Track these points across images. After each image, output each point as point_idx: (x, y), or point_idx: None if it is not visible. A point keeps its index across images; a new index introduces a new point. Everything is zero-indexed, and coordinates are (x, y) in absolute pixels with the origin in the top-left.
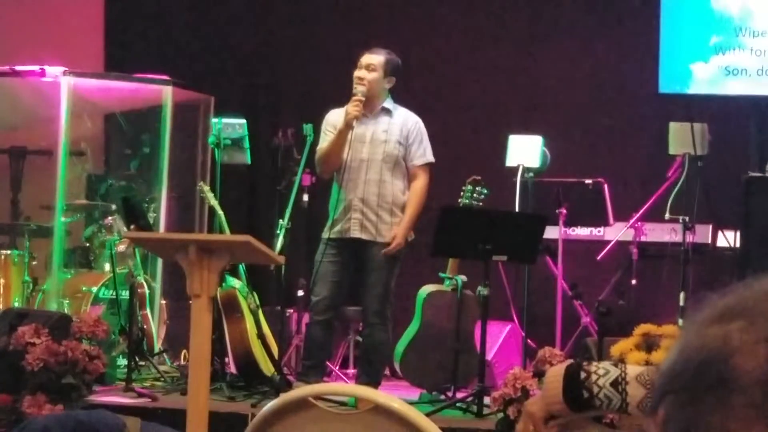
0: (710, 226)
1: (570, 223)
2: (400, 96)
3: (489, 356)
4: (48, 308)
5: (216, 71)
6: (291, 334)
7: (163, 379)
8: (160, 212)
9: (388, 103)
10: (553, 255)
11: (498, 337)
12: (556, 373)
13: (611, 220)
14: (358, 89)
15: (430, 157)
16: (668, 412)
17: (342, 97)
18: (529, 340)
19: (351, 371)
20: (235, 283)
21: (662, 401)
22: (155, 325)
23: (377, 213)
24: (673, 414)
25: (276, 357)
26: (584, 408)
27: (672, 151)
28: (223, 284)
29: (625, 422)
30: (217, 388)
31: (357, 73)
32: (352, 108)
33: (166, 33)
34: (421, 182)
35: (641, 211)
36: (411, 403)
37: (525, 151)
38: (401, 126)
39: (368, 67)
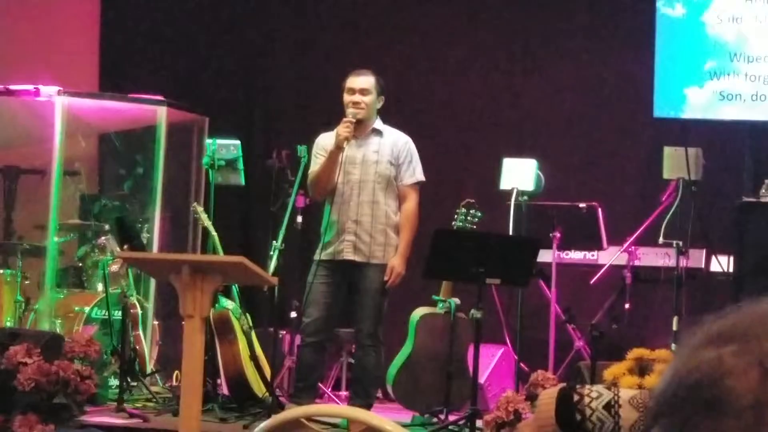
0: (704, 251)
1: (563, 246)
2: (394, 119)
3: (482, 379)
4: (40, 328)
5: (211, 92)
6: (283, 356)
7: (154, 399)
8: (154, 233)
9: (378, 124)
10: (547, 279)
11: (491, 360)
12: (549, 395)
13: (605, 244)
14: (359, 114)
15: (420, 176)
16: None
17: (336, 119)
18: (521, 364)
19: (343, 393)
20: (228, 304)
21: (655, 424)
22: (147, 346)
23: (371, 234)
24: None
25: (268, 378)
26: (577, 430)
27: (666, 175)
28: (216, 305)
29: None
30: (209, 410)
31: (351, 98)
32: (342, 129)
33: (160, 53)
34: (411, 203)
35: (635, 236)
36: (403, 425)
37: (519, 174)
38: (392, 146)
39: (363, 92)
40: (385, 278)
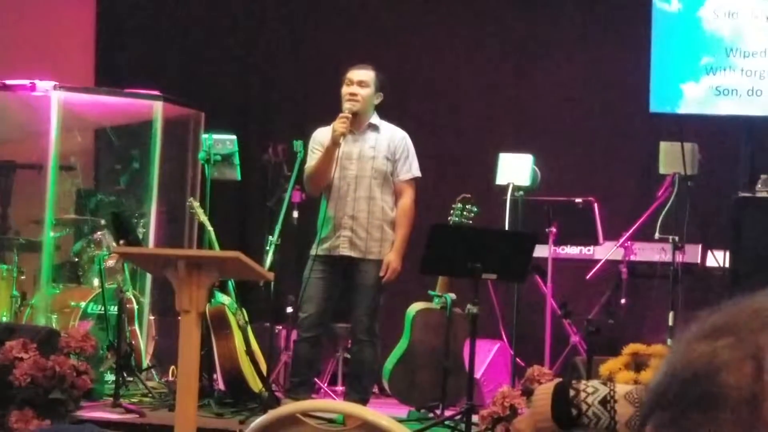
0: (700, 246)
1: (560, 241)
2: (391, 114)
3: (477, 374)
4: (36, 323)
5: (207, 87)
6: (279, 351)
7: (151, 395)
8: (150, 227)
9: (375, 119)
10: (543, 274)
11: (487, 356)
12: (545, 390)
13: (601, 239)
14: (354, 107)
15: (416, 172)
16: (656, 428)
17: (333, 114)
18: (517, 359)
19: (339, 388)
20: (224, 299)
21: (650, 418)
22: (143, 341)
23: (367, 230)
24: (661, 431)
25: (264, 373)
26: (573, 426)
27: (662, 170)
28: (212, 300)
29: None
30: (205, 405)
31: (348, 89)
32: (339, 125)
33: (156, 48)
34: (408, 199)
35: (631, 231)
36: (399, 420)
37: (515, 169)
38: (388, 141)
39: (361, 84)
40: (381, 273)
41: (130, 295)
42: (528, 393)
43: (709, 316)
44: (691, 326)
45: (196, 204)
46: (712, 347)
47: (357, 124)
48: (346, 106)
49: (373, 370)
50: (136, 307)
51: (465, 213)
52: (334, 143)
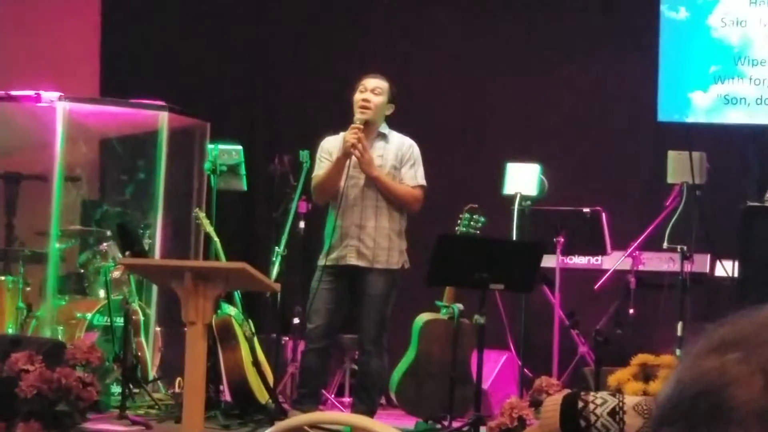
0: (708, 256)
1: (567, 251)
2: (398, 124)
3: (485, 385)
4: (42, 335)
5: (212, 97)
6: (286, 362)
7: (157, 406)
8: (156, 239)
9: (384, 128)
10: (551, 284)
11: (494, 366)
12: (553, 402)
13: (609, 249)
14: (365, 115)
15: (421, 180)
16: None
17: (338, 124)
18: (525, 370)
19: (347, 399)
20: (231, 310)
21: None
22: (150, 353)
23: (374, 239)
24: None
25: (271, 385)
26: None
27: (670, 179)
28: (219, 311)
29: None
30: (212, 416)
31: (362, 96)
32: (350, 136)
33: (162, 59)
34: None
35: (639, 240)
36: None
37: (523, 179)
38: (396, 150)
39: (374, 91)
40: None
41: (136, 306)
42: (536, 404)
43: (718, 330)
44: (699, 340)
45: (202, 215)
46: (720, 361)
47: (366, 132)
48: (357, 116)
49: (381, 381)
50: (142, 318)
51: (472, 223)
52: (346, 155)
